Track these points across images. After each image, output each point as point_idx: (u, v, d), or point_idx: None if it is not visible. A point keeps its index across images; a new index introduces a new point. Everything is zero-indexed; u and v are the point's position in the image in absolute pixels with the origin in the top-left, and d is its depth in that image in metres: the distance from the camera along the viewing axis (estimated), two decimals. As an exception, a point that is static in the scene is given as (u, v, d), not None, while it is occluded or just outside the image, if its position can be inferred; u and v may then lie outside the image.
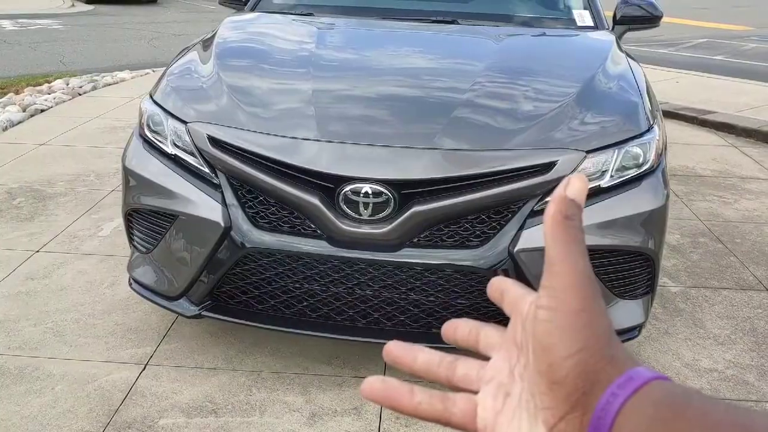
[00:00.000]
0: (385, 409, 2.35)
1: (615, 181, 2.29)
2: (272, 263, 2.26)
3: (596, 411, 0.38)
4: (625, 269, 2.33)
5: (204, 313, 2.38)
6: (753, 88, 7.60)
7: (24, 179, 4.36)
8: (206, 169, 2.33)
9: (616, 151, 2.31)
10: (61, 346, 2.65)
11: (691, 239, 3.78)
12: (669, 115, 6.13)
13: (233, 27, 3.25)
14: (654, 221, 2.34)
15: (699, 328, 2.92)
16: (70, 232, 3.62)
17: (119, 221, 3.54)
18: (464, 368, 0.47)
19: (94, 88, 7.03)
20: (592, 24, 3.45)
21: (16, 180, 4.34)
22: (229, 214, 2.26)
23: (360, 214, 2.17)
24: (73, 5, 16.79)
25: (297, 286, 2.28)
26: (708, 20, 16.15)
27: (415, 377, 0.49)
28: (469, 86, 2.53)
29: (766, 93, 7.32)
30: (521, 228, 2.18)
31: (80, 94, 6.77)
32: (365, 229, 2.17)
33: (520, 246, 2.16)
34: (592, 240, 2.21)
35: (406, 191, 2.17)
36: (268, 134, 2.29)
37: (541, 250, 2.17)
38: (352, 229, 2.17)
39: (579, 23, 3.46)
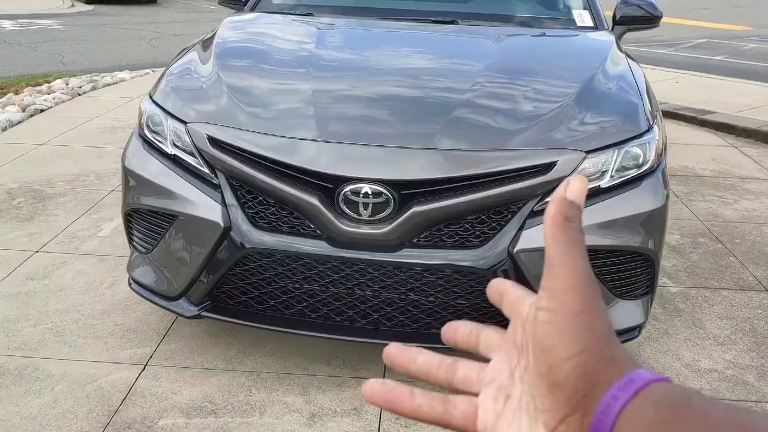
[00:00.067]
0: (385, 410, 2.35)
1: (615, 182, 2.29)
2: (272, 263, 2.26)
3: (597, 413, 0.37)
4: (624, 269, 2.33)
5: (203, 313, 2.38)
6: (753, 89, 7.60)
7: (23, 179, 4.36)
8: (206, 170, 2.33)
9: (616, 151, 2.30)
10: (60, 346, 2.65)
11: (691, 239, 3.78)
12: (669, 115, 6.13)
13: (233, 27, 3.25)
14: (654, 221, 2.34)
15: (699, 328, 2.92)
16: (69, 232, 3.62)
17: (119, 221, 3.54)
18: (464, 370, 0.47)
19: (94, 89, 7.03)
20: (591, 24, 3.45)
21: (16, 180, 4.34)
22: (228, 214, 2.26)
23: (360, 215, 2.17)
24: (72, 5, 16.79)
25: (296, 286, 2.27)
26: (707, 20, 16.16)
27: (414, 379, 0.49)
28: (469, 86, 2.53)
29: (765, 93, 7.32)
30: (521, 228, 2.18)
31: (80, 94, 6.77)
32: (365, 230, 2.17)
33: (519, 246, 2.15)
34: (592, 240, 2.21)
35: (405, 191, 2.17)
36: (268, 134, 2.29)
37: (541, 251, 2.16)
38: (351, 229, 2.17)
39: (579, 23, 3.46)
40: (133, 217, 2.52)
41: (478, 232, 2.20)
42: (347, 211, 2.17)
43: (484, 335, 0.49)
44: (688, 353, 2.74)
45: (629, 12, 3.71)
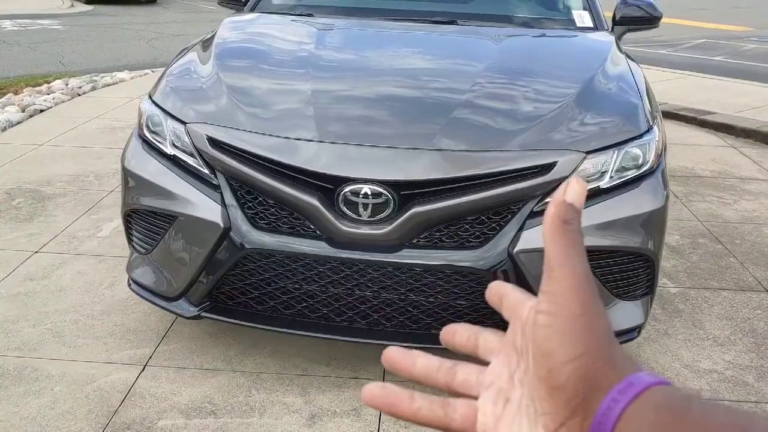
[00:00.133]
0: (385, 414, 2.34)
1: (615, 182, 2.29)
2: (271, 264, 2.26)
3: (597, 416, 0.37)
4: (624, 270, 2.33)
5: (203, 313, 2.38)
6: (752, 89, 7.61)
7: (23, 180, 4.36)
8: (205, 170, 2.33)
9: (616, 151, 2.30)
10: (60, 346, 2.64)
11: (691, 240, 3.78)
12: (668, 115, 6.14)
13: (233, 27, 3.25)
14: (654, 222, 2.34)
15: (698, 329, 2.92)
16: (69, 232, 3.62)
17: (118, 222, 3.54)
18: (464, 373, 0.47)
19: (94, 89, 7.02)
20: (591, 25, 3.45)
21: (15, 180, 4.34)
22: (228, 214, 2.26)
23: (359, 215, 2.17)
24: (72, 6, 16.79)
25: (296, 287, 2.27)
26: (707, 21, 16.16)
27: (414, 382, 0.49)
28: (469, 87, 2.53)
29: (765, 93, 7.32)
30: (521, 229, 2.18)
31: (79, 95, 6.77)
32: (365, 230, 2.17)
33: (519, 247, 2.15)
34: (592, 241, 2.21)
35: (405, 192, 2.17)
36: (268, 135, 2.29)
37: (540, 251, 2.16)
38: (351, 230, 2.17)
39: (578, 24, 3.46)
40: (132, 217, 2.52)
41: (477, 233, 2.20)
42: (347, 211, 2.17)
43: (483, 338, 0.49)
44: (688, 354, 2.74)
45: (629, 12, 3.71)
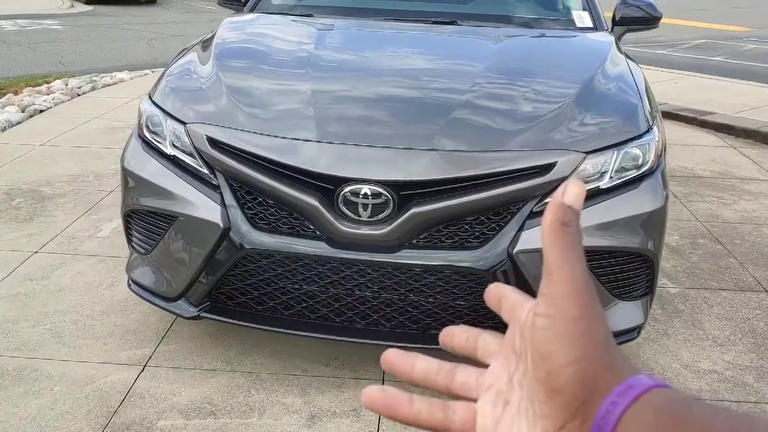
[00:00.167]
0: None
1: (614, 182, 2.29)
2: (271, 264, 2.26)
3: (596, 420, 0.37)
4: (624, 270, 2.33)
5: (203, 314, 2.38)
6: (752, 89, 7.61)
7: (23, 180, 4.36)
8: (205, 170, 2.33)
9: (616, 152, 2.30)
10: (59, 347, 2.64)
11: (690, 240, 3.78)
12: (668, 115, 6.13)
13: (232, 28, 3.25)
14: (653, 222, 2.34)
15: (698, 329, 2.92)
16: (69, 233, 3.62)
17: (118, 222, 3.54)
18: (463, 376, 0.47)
19: (93, 89, 7.02)
20: (591, 25, 3.45)
21: (15, 181, 4.34)
22: (228, 215, 2.26)
23: (359, 216, 2.17)
24: (72, 6, 16.79)
25: (296, 287, 2.27)
26: (707, 21, 16.17)
27: (413, 385, 0.49)
28: (469, 87, 2.53)
29: (765, 94, 7.33)
30: (520, 229, 2.18)
31: (79, 95, 6.77)
32: (364, 231, 2.17)
33: (519, 247, 2.15)
34: (592, 241, 2.21)
35: (405, 192, 2.17)
36: (267, 135, 2.28)
37: (540, 252, 2.17)
38: (351, 230, 2.17)
39: (578, 24, 3.46)
40: (132, 217, 2.52)
41: (477, 233, 2.20)
42: (347, 212, 2.17)
43: (482, 340, 0.49)
44: (688, 354, 2.74)
45: (629, 13, 3.71)
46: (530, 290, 2.27)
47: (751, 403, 2.47)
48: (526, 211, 2.19)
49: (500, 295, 0.49)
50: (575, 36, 3.33)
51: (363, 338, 2.29)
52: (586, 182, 2.25)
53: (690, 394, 2.46)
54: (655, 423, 0.35)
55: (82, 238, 3.56)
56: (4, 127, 5.49)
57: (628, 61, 2.96)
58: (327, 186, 2.18)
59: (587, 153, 2.25)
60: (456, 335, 0.50)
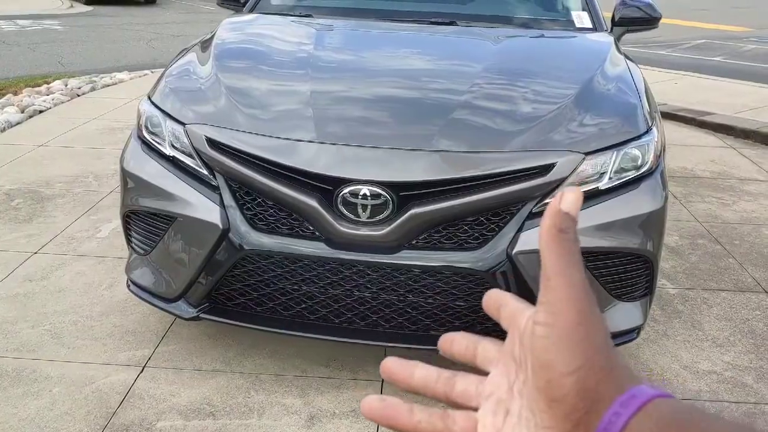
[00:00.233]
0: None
1: (614, 183, 2.28)
2: (270, 265, 2.26)
3: (598, 430, 0.37)
4: (623, 271, 2.33)
5: (202, 315, 2.38)
6: (751, 90, 7.61)
7: (22, 180, 4.36)
8: (204, 171, 2.33)
9: (615, 152, 2.30)
10: (59, 348, 2.64)
11: (690, 241, 3.78)
12: (667, 116, 6.14)
13: (232, 28, 3.25)
14: (653, 223, 2.34)
15: (697, 330, 2.92)
16: (68, 233, 3.62)
17: (117, 223, 3.54)
18: (463, 384, 0.47)
19: (93, 89, 7.02)
20: (590, 25, 3.44)
21: (15, 181, 4.34)
22: (227, 215, 2.26)
23: (358, 216, 2.17)
24: (72, 6, 16.78)
25: (295, 288, 2.27)
26: (707, 21, 16.17)
27: (413, 393, 0.49)
28: (468, 88, 2.53)
29: (764, 94, 7.33)
30: (520, 230, 2.18)
31: (79, 95, 6.77)
32: (364, 231, 2.17)
33: (518, 248, 2.15)
34: (591, 242, 2.21)
35: (404, 193, 2.16)
36: (267, 136, 2.28)
37: (539, 253, 2.17)
38: (350, 231, 2.17)
39: (578, 25, 3.46)
40: (131, 218, 2.52)
41: (476, 234, 2.20)
42: (346, 212, 2.17)
43: (482, 347, 0.48)
44: (687, 355, 2.74)
45: (628, 13, 3.70)
46: (529, 291, 2.27)
47: (751, 403, 2.47)
48: (525, 212, 2.19)
49: (499, 302, 0.48)
50: (574, 36, 3.33)
51: (362, 339, 2.29)
52: (586, 183, 2.25)
53: (690, 395, 2.46)
54: None
55: (81, 238, 3.56)
56: (4, 127, 5.49)
57: (628, 61, 2.96)
58: (326, 187, 2.18)
59: (586, 154, 2.25)
60: (455, 342, 0.50)
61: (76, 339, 2.70)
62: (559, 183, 2.20)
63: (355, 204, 2.15)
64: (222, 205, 2.27)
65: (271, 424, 2.27)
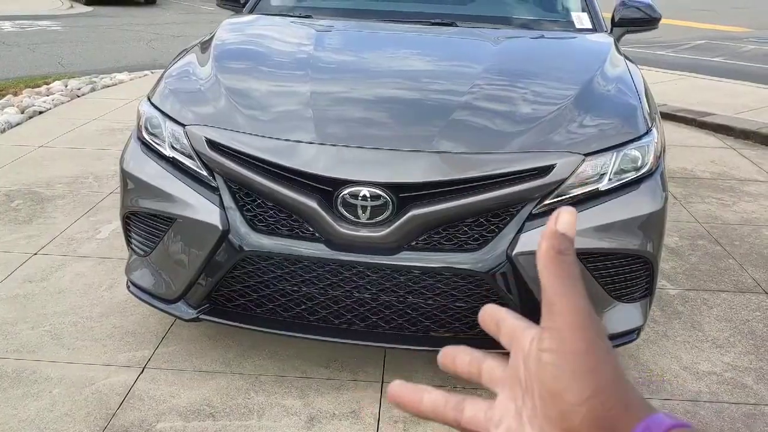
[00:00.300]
0: (384, 412, 2.35)
1: (613, 184, 2.28)
2: (270, 266, 2.26)
3: None
4: (623, 272, 2.33)
5: (202, 316, 2.38)
6: (751, 90, 7.61)
7: (22, 181, 4.36)
8: (204, 172, 2.33)
9: (615, 153, 2.30)
10: (58, 349, 2.64)
11: (690, 242, 3.78)
12: (667, 116, 6.14)
13: (231, 29, 3.25)
14: (652, 224, 2.34)
15: (697, 330, 2.91)
16: (68, 234, 3.62)
17: (117, 224, 3.54)
18: (472, 409, 0.46)
19: (93, 90, 7.02)
20: (590, 26, 3.44)
21: (14, 182, 4.34)
22: (227, 217, 2.26)
23: (358, 218, 2.17)
24: (71, 7, 16.79)
25: (295, 289, 2.27)
26: (706, 22, 16.17)
27: (422, 418, 0.48)
28: (468, 89, 2.53)
29: (764, 94, 7.33)
30: (519, 231, 2.18)
31: (79, 96, 6.77)
32: (363, 233, 2.17)
33: (518, 249, 2.15)
34: (591, 243, 2.21)
35: (404, 194, 2.16)
36: (266, 137, 2.28)
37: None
38: (350, 232, 2.17)
39: (577, 26, 3.46)
40: (131, 219, 2.52)
41: (476, 235, 2.20)
42: (346, 214, 2.17)
43: (487, 366, 0.47)
44: (687, 356, 2.74)
45: (628, 14, 3.70)
46: (529, 292, 2.27)
47: (751, 405, 2.47)
48: (525, 213, 2.19)
49: (497, 319, 0.47)
50: (574, 37, 3.33)
51: (362, 340, 2.29)
52: (585, 184, 2.25)
53: (690, 396, 2.46)
54: None
55: (81, 239, 3.56)
56: (4, 128, 5.48)
57: (627, 62, 2.95)
58: (326, 188, 2.18)
59: (586, 155, 2.25)
60: (458, 358, 0.48)
61: (76, 340, 2.70)
62: (559, 184, 2.20)
63: (355, 205, 2.15)
64: (222, 206, 2.27)
65: (270, 426, 2.27)
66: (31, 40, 10.99)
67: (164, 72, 2.83)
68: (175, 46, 10.16)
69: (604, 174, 2.27)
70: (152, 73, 7.86)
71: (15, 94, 6.64)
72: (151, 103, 2.58)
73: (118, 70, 8.23)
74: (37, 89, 6.85)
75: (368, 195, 2.14)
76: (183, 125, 2.40)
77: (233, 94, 2.49)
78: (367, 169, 2.18)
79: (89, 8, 16.72)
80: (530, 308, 2.20)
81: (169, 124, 2.44)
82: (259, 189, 2.23)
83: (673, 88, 7.52)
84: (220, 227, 2.24)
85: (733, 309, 3.10)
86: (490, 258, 2.17)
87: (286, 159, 2.21)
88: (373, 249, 2.18)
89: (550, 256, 0.41)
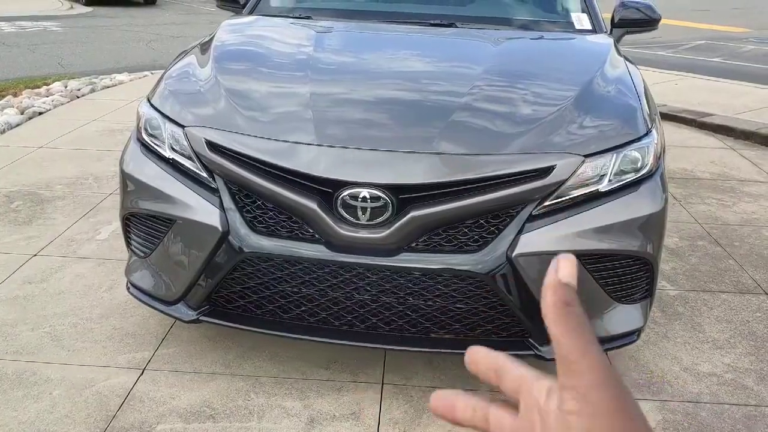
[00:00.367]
0: (384, 414, 2.34)
1: (613, 185, 2.28)
2: (270, 268, 2.26)
3: None
4: (623, 273, 2.32)
5: (202, 317, 2.37)
6: (751, 90, 7.61)
7: (22, 182, 4.35)
8: (204, 174, 2.33)
9: (615, 155, 2.30)
10: (58, 350, 2.64)
11: (690, 242, 3.78)
12: (667, 117, 6.14)
13: (231, 30, 3.25)
14: (652, 225, 2.34)
15: (698, 331, 2.91)
16: (68, 235, 3.61)
17: (117, 225, 3.54)
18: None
19: (93, 91, 7.02)
20: (590, 27, 3.44)
21: (14, 183, 4.34)
22: (226, 218, 2.26)
23: (358, 219, 2.16)
24: (71, 7, 16.79)
25: (295, 290, 2.27)
26: (706, 22, 16.17)
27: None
28: (468, 90, 2.52)
29: (764, 95, 7.33)
30: (519, 232, 2.18)
31: (78, 97, 6.77)
32: (363, 234, 2.17)
33: (518, 251, 2.15)
34: (591, 244, 2.21)
35: (404, 196, 2.16)
36: (266, 138, 2.28)
37: (539, 255, 2.17)
38: (350, 233, 2.17)
39: (577, 26, 3.45)
40: (131, 221, 2.52)
41: (476, 236, 2.20)
42: (345, 215, 2.17)
43: (494, 416, 0.44)
44: (687, 357, 2.73)
45: (628, 15, 3.70)
46: (529, 293, 2.26)
47: (751, 406, 2.47)
48: (525, 214, 2.19)
49: (495, 367, 0.44)
50: (574, 38, 3.32)
51: (362, 342, 2.29)
52: (585, 185, 2.24)
53: (690, 398, 2.46)
54: None
55: (81, 240, 3.56)
56: (3, 129, 5.48)
57: (627, 63, 2.95)
58: (326, 189, 2.18)
59: (586, 156, 2.24)
60: (458, 406, 0.45)
61: (75, 341, 2.70)
62: (559, 185, 2.19)
63: (355, 207, 2.15)
64: (221, 207, 2.27)
65: (271, 427, 2.27)
66: (30, 41, 10.99)
67: (164, 73, 2.83)
68: (174, 46, 10.17)
69: (604, 175, 2.27)
70: (152, 73, 7.86)
71: (15, 95, 6.64)
72: (151, 105, 2.58)
73: (118, 71, 8.23)
74: (36, 90, 6.85)
75: (368, 196, 2.14)
76: (183, 126, 2.39)
77: (233, 95, 2.49)
78: (366, 170, 2.18)
79: (89, 9, 16.72)
80: (530, 309, 2.20)
81: (169, 125, 2.44)
82: (259, 190, 2.23)
83: (672, 89, 7.52)
84: (220, 228, 2.24)
85: (734, 310, 3.09)
86: (490, 259, 2.16)
87: (285, 160, 2.21)
88: (373, 250, 2.18)
89: (559, 309, 0.39)
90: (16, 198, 4.11)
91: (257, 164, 2.23)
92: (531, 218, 2.19)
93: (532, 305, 2.19)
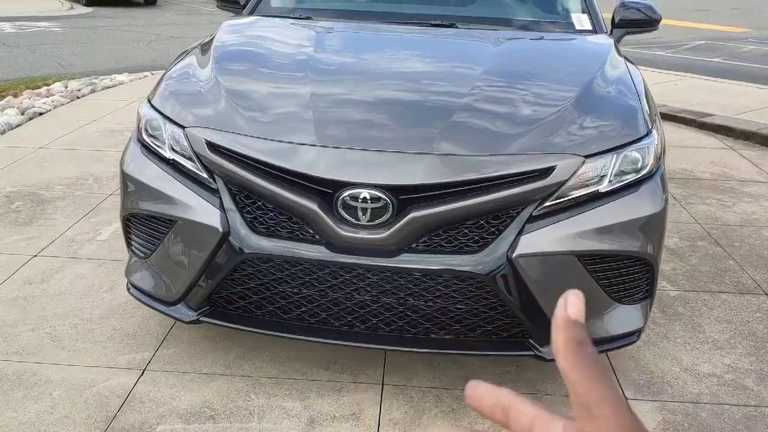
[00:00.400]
0: (384, 415, 2.34)
1: (614, 186, 2.28)
2: (270, 268, 2.26)
3: None
4: (623, 274, 2.32)
5: (202, 318, 2.38)
6: (751, 90, 7.61)
7: (22, 183, 4.35)
8: (204, 174, 2.33)
9: (615, 155, 2.30)
10: (59, 351, 2.64)
11: (690, 243, 3.78)
12: (667, 117, 6.14)
13: (231, 31, 3.25)
14: (653, 226, 2.34)
15: (698, 332, 2.91)
16: (68, 236, 3.62)
17: (118, 225, 3.54)
18: None
19: (93, 91, 7.02)
20: (590, 28, 3.44)
21: (15, 184, 4.34)
22: (227, 219, 2.26)
23: (358, 220, 2.16)
24: (72, 8, 16.79)
25: (295, 291, 2.27)
26: (706, 22, 16.17)
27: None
28: (468, 90, 2.52)
29: (764, 95, 7.33)
30: (520, 233, 2.18)
31: (79, 98, 6.77)
32: (363, 235, 2.17)
33: (518, 251, 2.15)
34: (591, 245, 2.21)
35: (404, 196, 2.16)
36: (267, 139, 2.28)
37: (539, 256, 2.18)
38: (350, 234, 2.17)
39: (577, 27, 3.45)
40: (131, 221, 2.52)
41: (476, 237, 2.20)
42: (346, 216, 2.17)
43: None
44: (688, 357, 2.73)
45: (628, 15, 3.70)
46: (529, 294, 2.26)
47: (751, 406, 2.47)
48: (525, 215, 2.19)
49: (503, 405, 0.42)
50: (574, 39, 3.32)
51: (362, 342, 2.28)
52: (586, 186, 2.24)
53: (690, 398, 2.46)
54: None
55: (81, 241, 3.56)
56: (4, 129, 5.48)
57: (628, 63, 2.95)
58: (326, 190, 2.18)
59: (586, 156, 2.24)
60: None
61: (76, 342, 2.70)
62: (559, 186, 2.20)
63: (355, 207, 2.15)
64: (222, 208, 2.27)
65: (271, 428, 2.27)
66: (31, 42, 10.99)
67: (164, 74, 2.83)
68: (175, 47, 10.17)
69: (604, 176, 2.27)
70: (152, 74, 7.86)
71: (15, 96, 6.65)
72: (151, 105, 2.58)
73: (118, 72, 8.23)
74: (37, 90, 6.85)
75: (368, 197, 2.14)
76: (183, 127, 2.40)
77: (233, 96, 2.49)
78: (367, 171, 2.18)
79: (89, 9, 16.73)
80: (530, 310, 2.20)
81: (169, 126, 2.44)
82: (260, 191, 2.23)
83: (672, 89, 7.52)
84: (220, 229, 2.24)
85: (734, 310, 3.09)
86: (491, 260, 2.17)
87: (286, 161, 2.21)
88: (374, 251, 2.18)
89: (572, 347, 0.38)
90: (16, 198, 4.11)
91: (258, 165, 2.23)
92: (531, 219, 2.19)
93: (532, 306, 2.19)
